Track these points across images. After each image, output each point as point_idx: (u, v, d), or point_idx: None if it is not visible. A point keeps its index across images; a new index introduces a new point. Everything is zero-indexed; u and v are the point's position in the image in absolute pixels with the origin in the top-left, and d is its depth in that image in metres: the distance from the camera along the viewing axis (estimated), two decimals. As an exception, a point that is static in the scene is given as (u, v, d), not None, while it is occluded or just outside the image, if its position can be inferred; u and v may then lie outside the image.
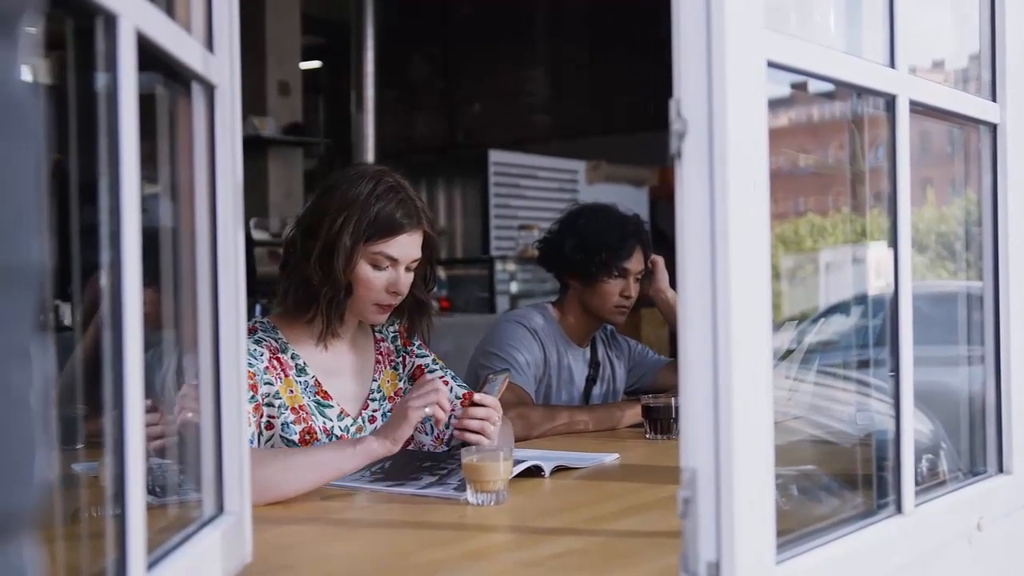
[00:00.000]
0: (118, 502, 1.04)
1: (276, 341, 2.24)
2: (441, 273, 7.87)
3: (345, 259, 2.19)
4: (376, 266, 2.22)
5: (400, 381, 2.43)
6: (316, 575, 1.56)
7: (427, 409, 2.00)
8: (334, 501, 1.97)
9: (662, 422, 2.68)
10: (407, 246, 2.24)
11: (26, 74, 0.59)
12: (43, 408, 0.59)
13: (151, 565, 1.11)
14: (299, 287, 2.24)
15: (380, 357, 2.41)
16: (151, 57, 1.13)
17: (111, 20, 1.01)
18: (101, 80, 1.04)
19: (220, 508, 1.39)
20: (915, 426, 1.57)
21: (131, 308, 1.03)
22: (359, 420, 2.31)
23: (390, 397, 2.39)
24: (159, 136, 1.35)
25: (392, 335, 2.47)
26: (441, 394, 2.03)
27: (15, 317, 0.57)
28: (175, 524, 1.35)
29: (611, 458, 2.38)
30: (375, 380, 2.38)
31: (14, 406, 0.57)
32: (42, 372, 0.60)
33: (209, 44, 1.37)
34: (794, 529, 1.35)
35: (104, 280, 1.04)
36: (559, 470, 2.21)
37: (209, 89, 1.36)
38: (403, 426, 1.99)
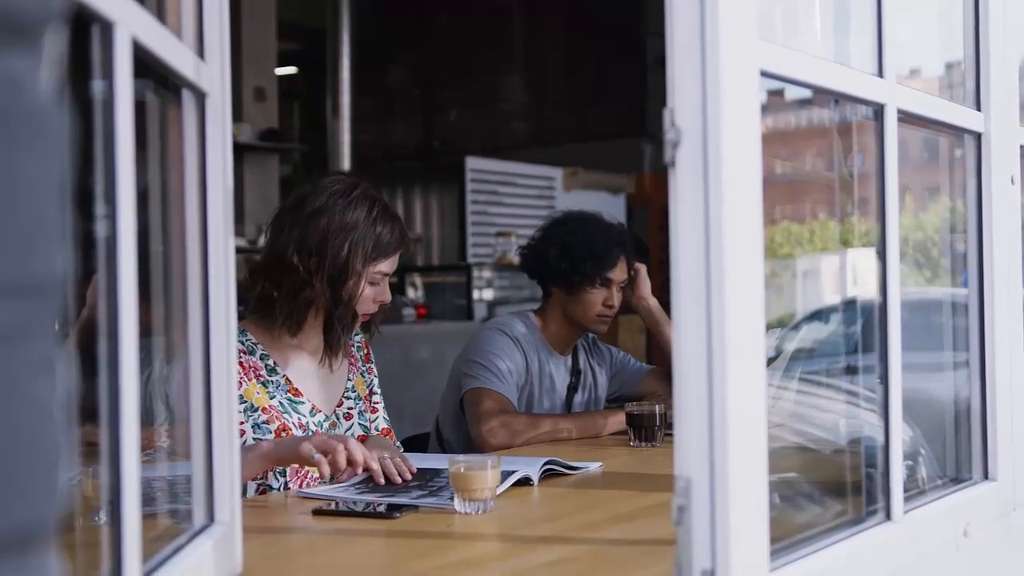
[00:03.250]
0: (112, 512, 1.03)
1: (243, 343, 2.27)
2: (418, 280, 7.86)
3: (355, 283, 2.29)
4: (372, 283, 2.34)
5: (367, 387, 2.53)
6: (306, 585, 1.56)
7: (317, 456, 1.99)
8: (323, 512, 1.96)
9: (646, 430, 2.68)
10: (396, 261, 2.39)
11: (49, 84, 0.59)
12: (64, 419, 0.59)
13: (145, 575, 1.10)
14: (304, 308, 2.30)
15: (352, 360, 2.51)
16: (143, 64, 1.13)
17: (107, 27, 1.00)
18: (96, 87, 1.03)
19: (211, 518, 1.38)
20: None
21: (126, 315, 1.02)
22: (333, 416, 2.40)
23: (364, 397, 2.49)
24: (148, 143, 1.34)
25: (357, 345, 2.56)
26: (340, 455, 2.00)
27: (39, 328, 0.57)
28: (164, 534, 1.34)
29: (595, 466, 2.38)
30: (350, 380, 2.47)
31: (39, 417, 0.56)
32: (64, 382, 0.59)
33: (200, 51, 1.36)
34: (786, 536, 1.35)
35: (89, 287, 1.04)
36: (548, 476, 2.21)
37: (200, 97, 1.36)
38: (291, 456, 2.05)
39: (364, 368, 2.53)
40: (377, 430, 2.45)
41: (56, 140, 0.59)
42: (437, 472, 2.21)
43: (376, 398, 2.55)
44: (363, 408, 2.48)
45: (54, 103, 0.59)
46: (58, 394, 0.59)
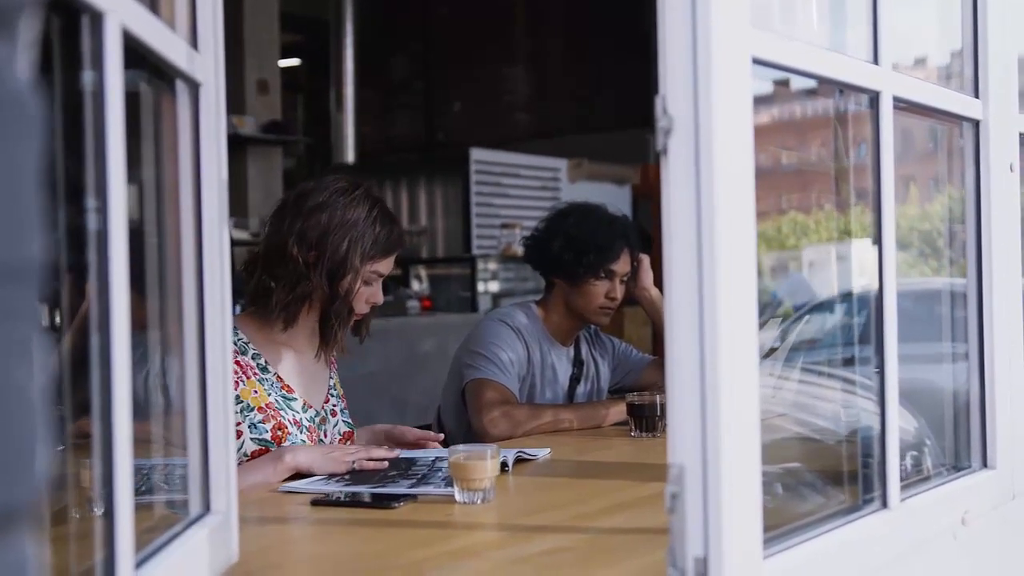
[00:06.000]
0: (105, 501, 1.03)
1: (235, 343, 2.29)
2: (422, 272, 7.87)
3: (352, 279, 2.32)
4: (366, 282, 2.36)
5: (341, 387, 2.58)
6: (302, 574, 1.56)
7: (355, 465, 2.16)
8: (321, 502, 1.97)
9: (647, 420, 2.68)
10: (392, 263, 2.42)
11: (25, 71, 0.59)
12: (43, 403, 0.60)
13: (138, 564, 1.11)
14: (299, 301, 2.32)
15: (333, 359, 2.54)
16: (135, 54, 1.13)
17: (97, 17, 1.00)
18: (86, 77, 1.03)
19: (206, 507, 1.39)
20: (899, 423, 1.58)
21: (118, 308, 1.02)
22: (322, 412, 2.44)
23: (342, 396, 2.54)
24: (142, 134, 1.34)
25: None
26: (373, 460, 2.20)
27: (17, 312, 0.57)
28: (161, 523, 1.35)
29: (544, 452, 2.42)
30: (331, 378, 2.52)
31: (16, 401, 0.57)
32: (43, 367, 0.60)
33: (194, 42, 1.36)
34: (781, 524, 1.35)
35: (86, 281, 1.04)
36: (545, 464, 2.25)
37: (194, 87, 1.36)
38: (329, 466, 2.15)
39: (337, 369, 2.59)
40: (339, 434, 2.47)
41: (33, 127, 0.59)
42: (412, 461, 2.22)
43: (339, 406, 2.59)
44: (343, 406, 2.53)
45: (30, 90, 0.59)
46: (37, 379, 0.59)
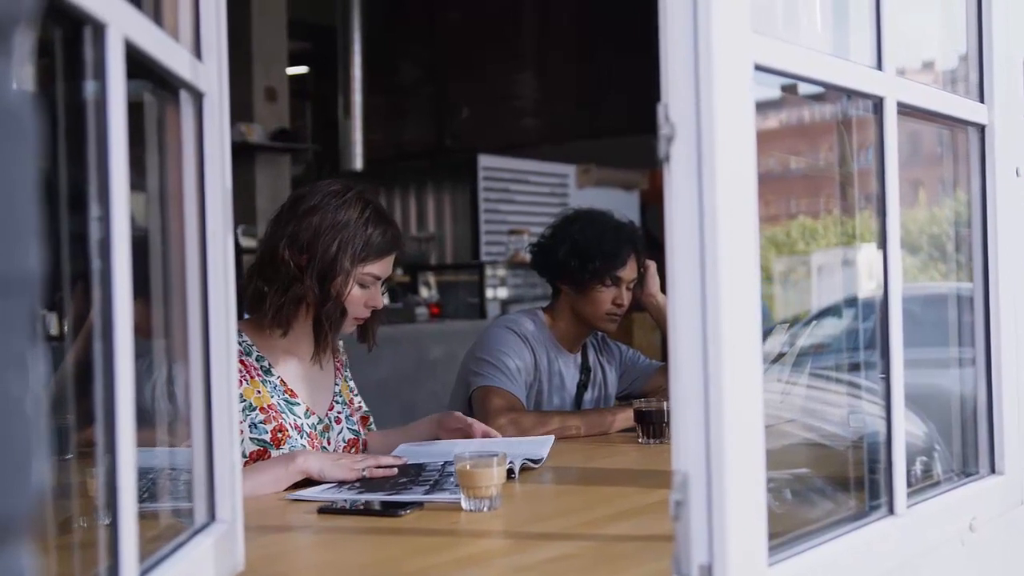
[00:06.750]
0: (109, 511, 1.04)
1: (240, 345, 2.29)
2: (431, 279, 7.87)
3: (343, 281, 2.32)
4: (362, 285, 2.36)
5: (351, 392, 2.57)
6: (309, 583, 1.56)
7: (364, 472, 2.16)
8: (328, 510, 1.97)
9: (654, 426, 2.67)
10: (389, 266, 2.41)
11: (21, 83, 0.59)
12: (39, 415, 0.60)
13: (143, 573, 1.11)
14: (293, 303, 2.32)
15: (338, 365, 2.55)
16: (139, 64, 1.13)
17: (99, 29, 1.01)
18: (89, 88, 1.03)
19: (212, 516, 1.39)
20: (908, 428, 1.57)
21: (121, 317, 1.03)
22: (326, 419, 2.44)
23: (348, 402, 2.53)
24: (147, 144, 1.35)
25: (341, 349, 2.62)
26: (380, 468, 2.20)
27: (12, 325, 0.58)
28: (166, 532, 1.35)
29: (548, 440, 2.47)
30: (336, 385, 2.51)
31: (12, 413, 0.57)
32: (38, 379, 0.60)
33: (197, 52, 1.37)
34: (787, 531, 1.35)
35: (93, 290, 1.04)
36: (524, 469, 2.26)
37: (198, 97, 1.36)
38: (338, 473, 2.14)
39: (346, 374, 2.59)
40: (344, 441, 2.48)
41: (29, 139, 0.59)
42: (422, 467, 2.22)
43: (356, 398, 2.60)
44: (349, 413, 2.52)
45: (26, 102, 0.59)
46: (32, 391, 0.60)
